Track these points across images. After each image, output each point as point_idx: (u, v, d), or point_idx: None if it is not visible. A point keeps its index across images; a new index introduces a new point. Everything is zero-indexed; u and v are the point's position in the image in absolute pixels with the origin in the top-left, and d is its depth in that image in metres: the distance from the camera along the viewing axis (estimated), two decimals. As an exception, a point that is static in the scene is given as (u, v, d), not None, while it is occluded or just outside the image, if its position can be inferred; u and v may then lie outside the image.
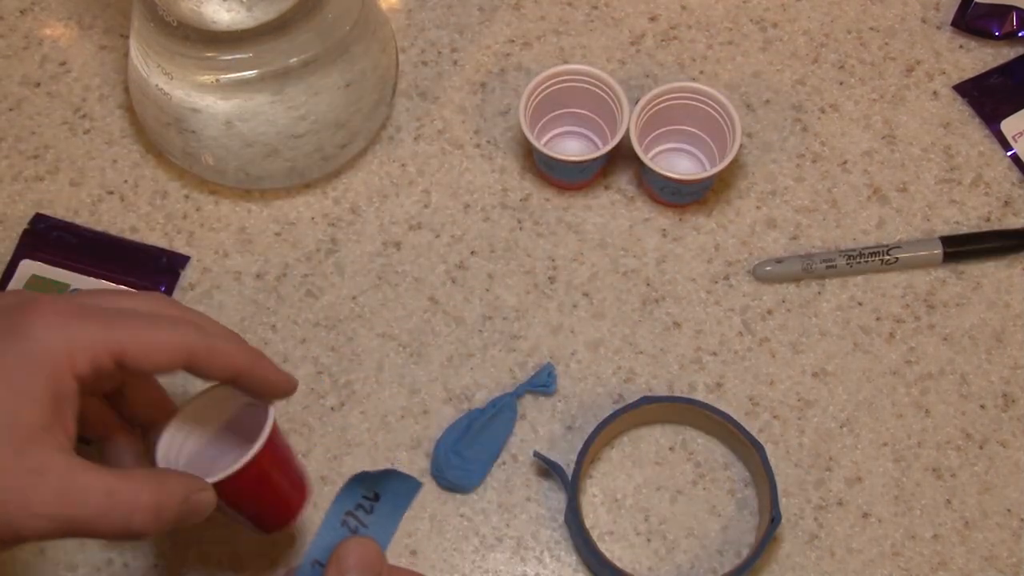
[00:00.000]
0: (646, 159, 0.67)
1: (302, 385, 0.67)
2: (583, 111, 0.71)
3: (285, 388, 0.54)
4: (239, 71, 0.64)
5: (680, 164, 0.72)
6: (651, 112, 0.69)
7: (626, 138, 0.67)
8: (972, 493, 0.65)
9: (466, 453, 0.65)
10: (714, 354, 0.68)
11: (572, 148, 0.72)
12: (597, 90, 0.69)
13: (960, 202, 0.71)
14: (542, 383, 0.66)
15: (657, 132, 0.71)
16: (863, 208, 0.71)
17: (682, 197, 0.70)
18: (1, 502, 0.45)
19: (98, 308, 0.48)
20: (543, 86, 0.69)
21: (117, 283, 0.69)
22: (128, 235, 0.71)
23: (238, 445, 0.56)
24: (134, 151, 0.73)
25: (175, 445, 0.54)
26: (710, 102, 0.68)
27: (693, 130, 0.71)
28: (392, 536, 0.51)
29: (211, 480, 0.51)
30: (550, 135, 0.72)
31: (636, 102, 0.69)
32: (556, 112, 0.71)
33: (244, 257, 0.70)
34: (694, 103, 0.69)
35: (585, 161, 0.68)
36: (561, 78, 0.69)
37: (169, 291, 0.69)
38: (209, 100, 0.66)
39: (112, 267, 0.69)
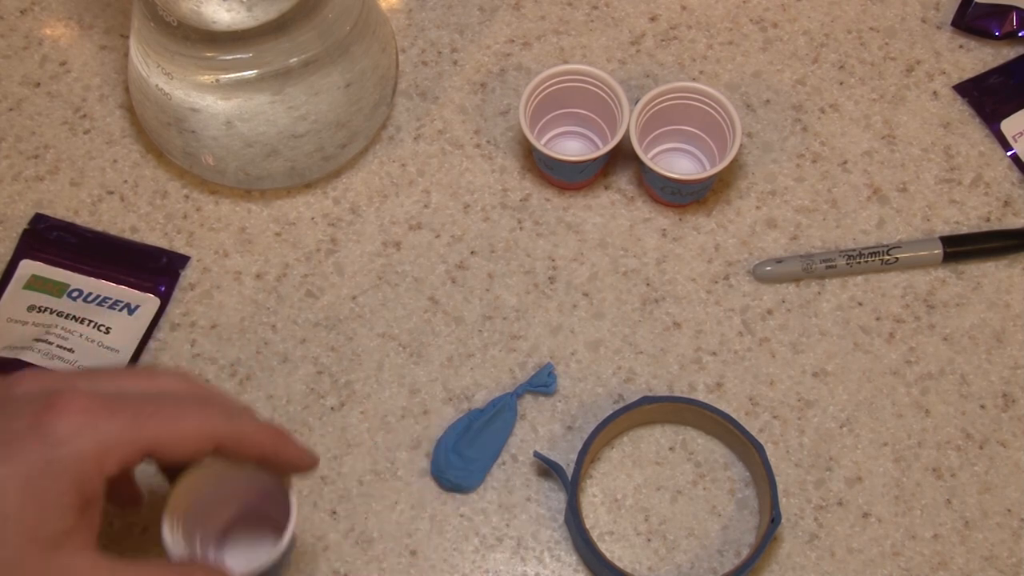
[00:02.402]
0: (646, 159, 0.67)
1: (302, 385, 0.67)
2: (583, 111, 0.71)
3: (308, 465, 0.53)
4: (239, 71, 0.64)
5: (680, 164, 0.72)
6: (651, 112, 0.69)
7: (626, 138, 0.67)
8: (972, 493, 0.65)
9: (466, 453, 0.65)
10: (714, 354, 0.68)
11: (572, 148, 0.72)
12: (597, 90, 0.69)
13: (960, 202, 0.71)
14: (542, 383, 0.66)
15: (657, 132, 0.71)
16: (863, 208, 0.71)
17: (682, 197, 0.70)
18: None
19: (125, 400, 0.47)
20: (543, 86, 0.69)
21: (117, 283, 0.69)
22: (128, 235, 0.71)
23: (247, 516, 0.58)
24: (134, 151, 0.73)
25: (178, 529, 0.53)
26: (710, 102, 0.68)
27: (693, 130, 0.71)
28: None
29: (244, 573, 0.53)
30: (550, 135, 0.72)
31: (636, 102, 0.69)
32: (556, 112, 0.71)
33: (244, 257, 0.70)
34: (694, 103, 0.69)
35: (585, 161, 0.68)
36: (561, 78, 0.69)
37: (169, 291, 0.69)
38: (209, 100, 0.66)
39: (112, 267, 0.69)
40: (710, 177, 0.68)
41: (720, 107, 0.68)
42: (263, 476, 0.54)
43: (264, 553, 0.54)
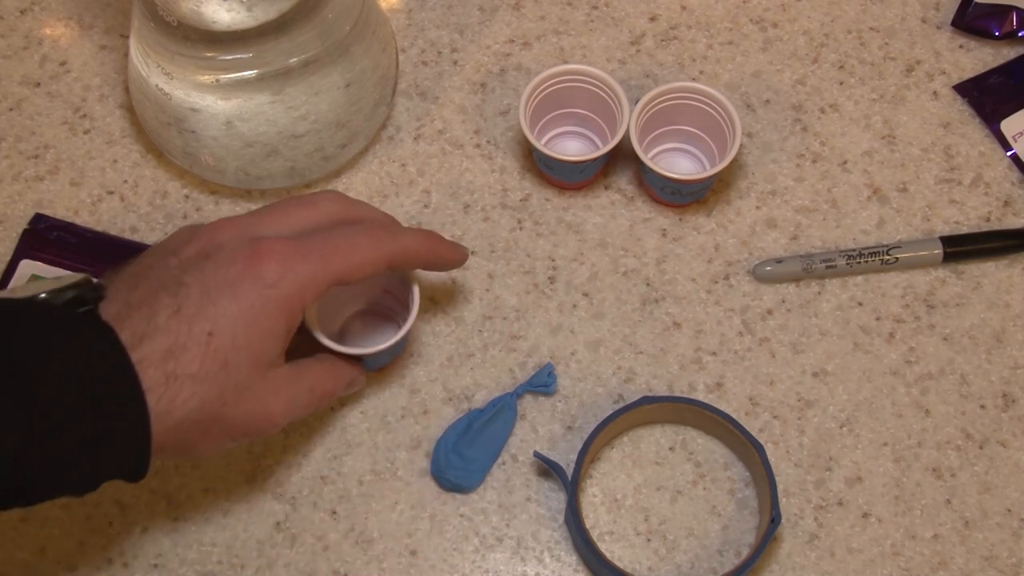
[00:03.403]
0: (646, 159, 0.67)
1: (302, 385, 0.67)
2: (583, 111, 0.71)
3: (462, 259, 0.64)
4: (239, 71, 0.64)
5: (680, 164, 0.72)
6: (651, 112, 0.69)
7: (626, 138, 0.67)
8: (972, 493, 0.65)
9: (466, 453, 0.65)
10: (714, 354, 0.68)
11: (572, 148, 0.72)
12: (597, 90, 0.69)
13: (960, 202, 0.71)
14: (542, 383, 0.66)
15: (657, 132, 0.71)
16: (863, 208, 0.71)
17: (682, 197, 0.70)
18: (254, 418, 0.55)
19: (311, 244, 0.56)
20: (543, 86, 0.69)
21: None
22: (128, 235, 0.71)
23: (364, 312, 0.67)
24: (134, 151, 0.73)
25: (316, 326, 0.61)
26: (710, 102, 0.68)
27: (693, 130, 0.71)
28: None
29: (373, 350, 0.62)
30: (550, 135, 0.72)
31: (636, 102, 0.69)
32: (556, 112, 0.71)
33: (244, 257, 0.70)
34: (694, 103, 0.69)
35: (585, 161, 0.68)
36: (561, 78, 0.69)
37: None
38: (209, 100, 0.66)
39: (112, 267, 0.69)
40: (710, 177, 0.68)
41: (720, 107, 0.68)
42: (390, 275, 0.62)
43: (383, 340, 0.62)
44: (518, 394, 0.66)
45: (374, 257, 0.57)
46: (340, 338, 0.65)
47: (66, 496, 0.50)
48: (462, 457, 0.65)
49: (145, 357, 0.50)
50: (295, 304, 0.55)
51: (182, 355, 0.51)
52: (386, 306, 0.68)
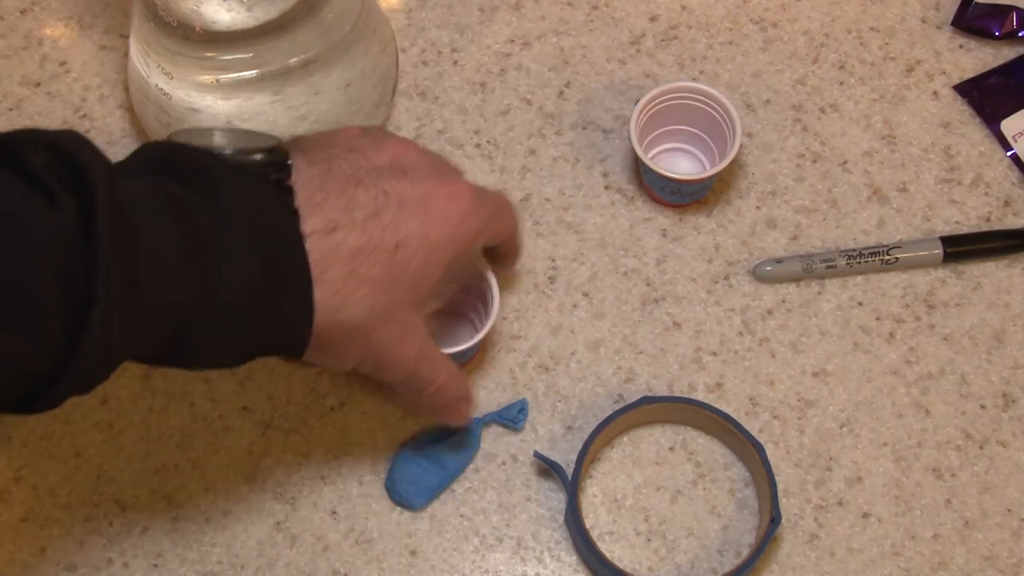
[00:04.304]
0: (646, 159, 0.67)
1: (302, 385, 0.67)
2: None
3: (519, 256, 0.65)
4: (239, 71, 0.64)
5: (680, 164, 0.72)
6: (651, 112, 0.69)
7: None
8: (972, 493, 0.65)
9: (419, 470, 0.64)
10: (714, 354, 0.68)
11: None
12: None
13: (960, 202, 0.71)
14: (511, 417, 0.65)
15: (657, 132, 0.71)
16: (863, 208, 0.71)
17: (682, 197, 0.70)
18: (392, 348, 0.54)
19: (485, 198, 0.57)
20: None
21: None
22: (128, 235, 0.71)
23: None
24: (134, 151, 0.73)
25: None
26: (710, 102, 0.68)
27: (693, 130, 0.71)
28: None
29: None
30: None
31: (636, 102, 0.69)
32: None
33: (244, 257, 0.70)
34: (694, 103, 0.69)
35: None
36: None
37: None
38: (209, 100, 0.66)
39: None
40: (710, 177, 0.68)
41: (720, 107, 0.68)
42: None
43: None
44: (484, 422, 0.66)
45: (509, 230, 0.60)
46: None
47: (216, 367, 0.51)
48: (414, 473, 0.64)
49: (336, 247, 0.51)
50: (465, 249, 0.56)
51: (368, 257, 0.51)
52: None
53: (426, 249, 0.53)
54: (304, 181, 0.52)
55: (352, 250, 0.51)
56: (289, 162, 0.52)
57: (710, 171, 0.68)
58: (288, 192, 0.51)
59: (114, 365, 0.46)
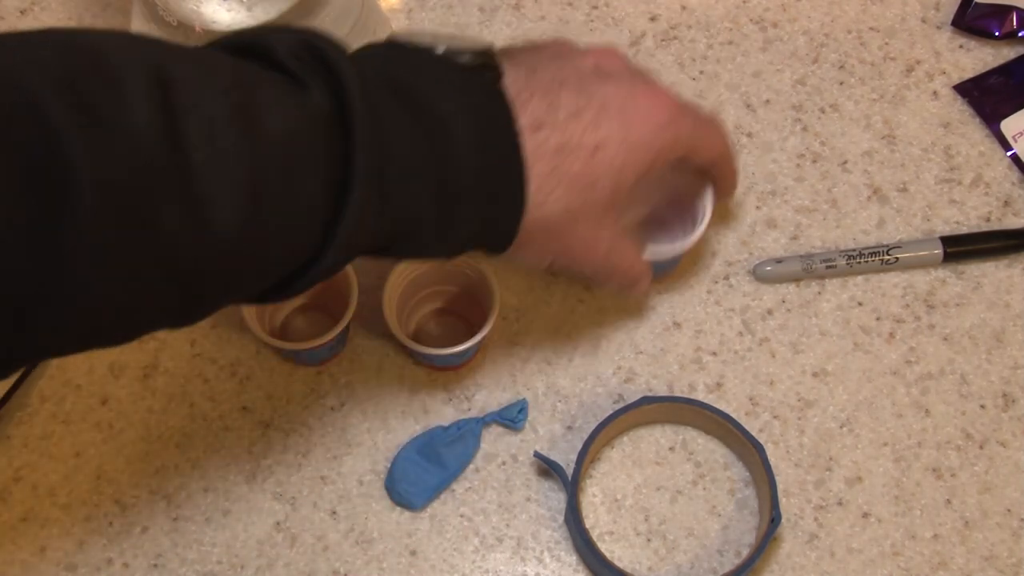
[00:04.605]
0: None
1: (302, 385, 0.67)
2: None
3: (735, 184, 0.65)
4: (239, 71, 0.64)
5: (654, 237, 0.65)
6: None
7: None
8: (972, 493, 0.65)
9: (420, 470, 0.64)
10: (714, 354, 0.68)
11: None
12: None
13: (960, 202, 0.71)
14: (511, 417, 0.66)
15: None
16: (863, 208, 0.71)
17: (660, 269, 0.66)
18: (586, 244, 0.56)
19: (686, 110, 0.57)
20: None
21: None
22: (128, 235, 0.71)
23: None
24: (134, 151, 0.73)
25: None
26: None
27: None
28: None
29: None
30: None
31: None
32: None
33: (244, 257, 0.70)
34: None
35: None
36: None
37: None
38: (209, 100, 0.66)
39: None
40: (676, 257, 0.66)
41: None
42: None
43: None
44: (485, 422, 0.66)
45: (717, 147, 0.60)
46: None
47: (432, 259, 0.53)
48: (415, 473, 0.64)
49: (540, 144, 0.52)
50: (660, 158, 0.56)
51: (568, 156, 0.52)
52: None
53: (625, 151, 0.54)
54: (511, 81, 0.53)
55: (555, 147, 0.52)
56: (499, 69, 0.53)
57: (684, 244, 0.64)
58: (500, 93, 0.52)
59: (353, 256, 0.48)
